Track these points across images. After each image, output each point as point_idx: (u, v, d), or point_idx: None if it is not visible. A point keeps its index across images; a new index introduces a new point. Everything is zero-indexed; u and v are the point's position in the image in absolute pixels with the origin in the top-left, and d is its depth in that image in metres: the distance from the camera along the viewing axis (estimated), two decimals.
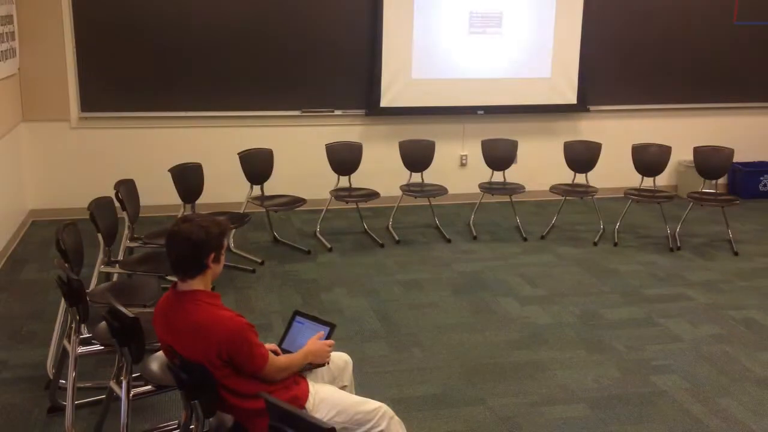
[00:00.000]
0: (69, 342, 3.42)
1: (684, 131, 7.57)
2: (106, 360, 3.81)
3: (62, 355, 3.56)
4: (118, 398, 3.06)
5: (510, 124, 7.27)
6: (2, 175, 5.78)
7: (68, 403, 3.30)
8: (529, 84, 7.25)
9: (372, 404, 2.76)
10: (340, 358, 3.03)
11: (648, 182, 6.56)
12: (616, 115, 7.55)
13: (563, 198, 6.64)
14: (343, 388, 2.98)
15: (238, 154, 5.89)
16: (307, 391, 2.71)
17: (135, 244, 4.87)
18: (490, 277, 5.48)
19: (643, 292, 5.25)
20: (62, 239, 3.69)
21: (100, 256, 4.35)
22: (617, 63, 7.49)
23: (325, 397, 2.73)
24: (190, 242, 2.56)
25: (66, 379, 3.42)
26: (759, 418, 3.62)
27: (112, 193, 4.74)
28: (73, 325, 3.38)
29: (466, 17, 7.06)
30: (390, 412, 2.77)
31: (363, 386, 3.65)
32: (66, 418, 3.29)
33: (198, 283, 2.62)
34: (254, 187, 5.93)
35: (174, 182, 5.30)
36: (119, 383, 3.04)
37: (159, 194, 6.14)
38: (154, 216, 6.28)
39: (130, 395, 2.98)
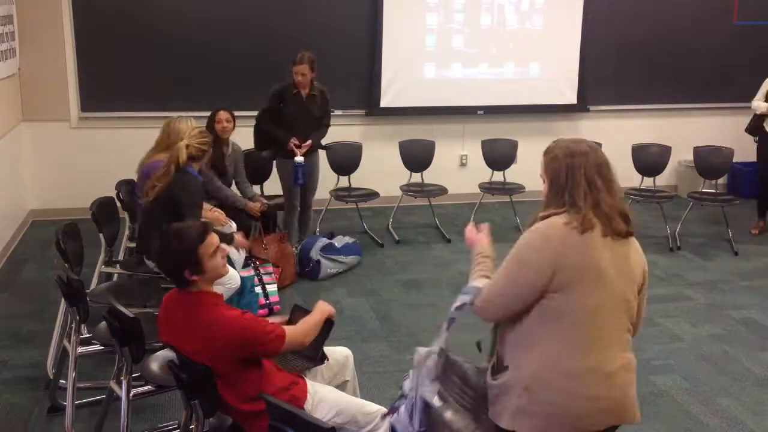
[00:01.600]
0: (69, 342, 3.42)
1: (684, 131, 7.56)
2: (106, 360, 3.81)
3: (62, 355, 3.56)
4: (118, 398, 3.06)
5: (510, 124, 7.26)
6: (2, 175, 5.78)
7: (68, 403, 3.30)
8: (529, 84, 7.26)
9: (372, 407, 2.77)
10: (340, 353, 3.04)
11: (648, 182, 6.56)
12: (616, 115, 7.55)
13: None
14: (344, 382, 2.98)
15: None
16: (306, 391, 2.71)
17: (135, 245, 4.87)
18: None
19: None
20: (62, 239, 3.69)
21: (102, 256, 4.36)
22: (617, 63, 7.49)
23: (324, 397, 2.73)
24: (163, 266, 2.69)
25: (66, 379, 3.42)
26: (759, 418, 3.62)
27: (111, 193, 4.75)
28: (73, 325, 3.38)
29: (466, 17, 7.06)
30: (381, 412, 2.78)
31: (363, 386, 3.65)
32: (66, 418, 3.30)
33: (196, 286, 2.62)
34: (254, 186, 5.92)
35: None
36: (119, 383, 3.04)
37: None
38: None
39: (130, 395, 2.99)
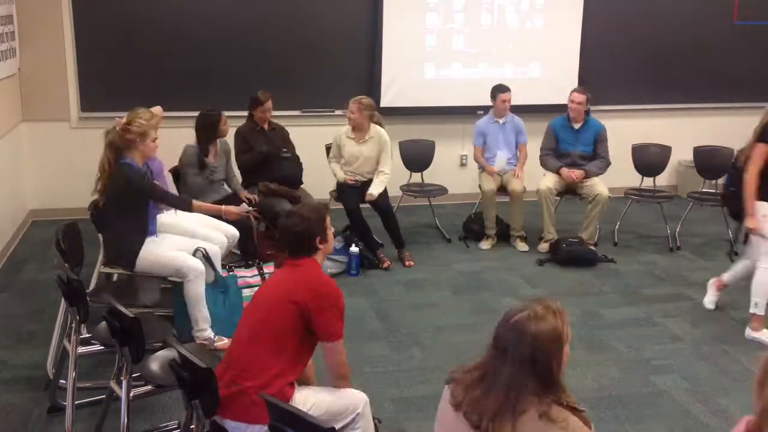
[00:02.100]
0: (69, 342, 3.42)
1: (684, 131, 7.56)
2: (107, 360, 3.81)
3: (62, 355, 3.56)
4: (118, 398, 3.06)
5: None
6: (2, 175, 5.78)
7: (68, 403, 3.30)
8: (528, 84, 7.25)
9: (354, 395, 2.87)
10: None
11: (648, 182, 6.56)
12: (616, 115, 7.53)
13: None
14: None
15: None
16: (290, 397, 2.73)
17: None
18: (490, 277, 5.49)
19: (643, 292, 5.25)
20: (62, 239, 3.69)
21: (101, 256, 4.36)
22: (617, 63, 7.49)
23: (301, 399, 2.76)
24: (296, 233, 2.82)
25: (66, 379, 3.42)
26: None
27: None
28: (73, 325, 3.38)
29: (466, 17, 7.06)
30: (364, 398, 2.88)
31: (363, 386, 3.65)
32: (66, 418, 3.29)
33: (316, 256, 2.87)
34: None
35: (174, 182, 5.30)
36: (119, 383, 3.04)
37: None
38: None
39: (130, 395, 2.98)
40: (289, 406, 2.32)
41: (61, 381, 3.59)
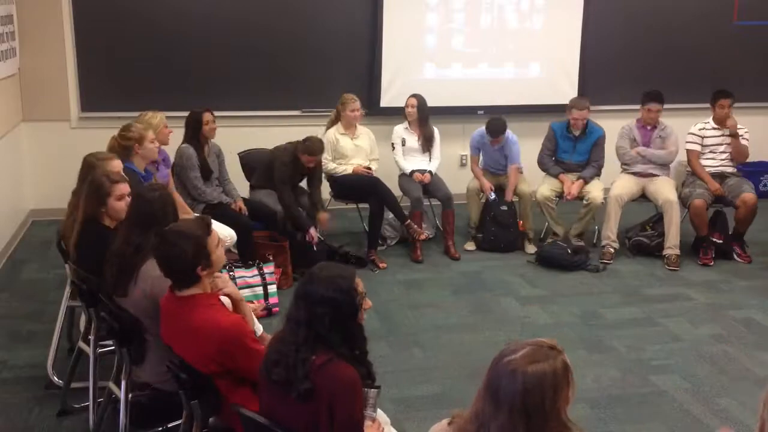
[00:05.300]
0: (86, 344, 3.42)
1: (684, 131, 7.55)
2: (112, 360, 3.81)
3: (76, 357, 3.55)
4: (117, 399, 3.06)
5: (510, 124, 7.20)
6: (2, 175, 5.78)
7: (90, 404, 3.31)
8: (529, 84, 7.26)
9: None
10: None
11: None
12: (616, 114, 7.51)
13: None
14: None
15: (238, 154, 5.89)
16: None
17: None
18: (490, 277, 5.48)
19: (643, 292, 5.24)
20: (62, 239, 3.69)
21: None
22: (617, 63, 7.48)
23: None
24: (172, 265, 2.56)
25: (81, 381, 3.44)
26: None
27: None
28: (92, 327, 3.35)
29: (466, 17, 7.06)
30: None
31: None
32: (90, 419, 3.31)
33: (196, 289, 2.63)
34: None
35: (174, 182, 5.30)
36: (118, 384, 3.04)
37: None
38: None
39: (129, 396, 2.98)
40: (262, 419, 2.22)
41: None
